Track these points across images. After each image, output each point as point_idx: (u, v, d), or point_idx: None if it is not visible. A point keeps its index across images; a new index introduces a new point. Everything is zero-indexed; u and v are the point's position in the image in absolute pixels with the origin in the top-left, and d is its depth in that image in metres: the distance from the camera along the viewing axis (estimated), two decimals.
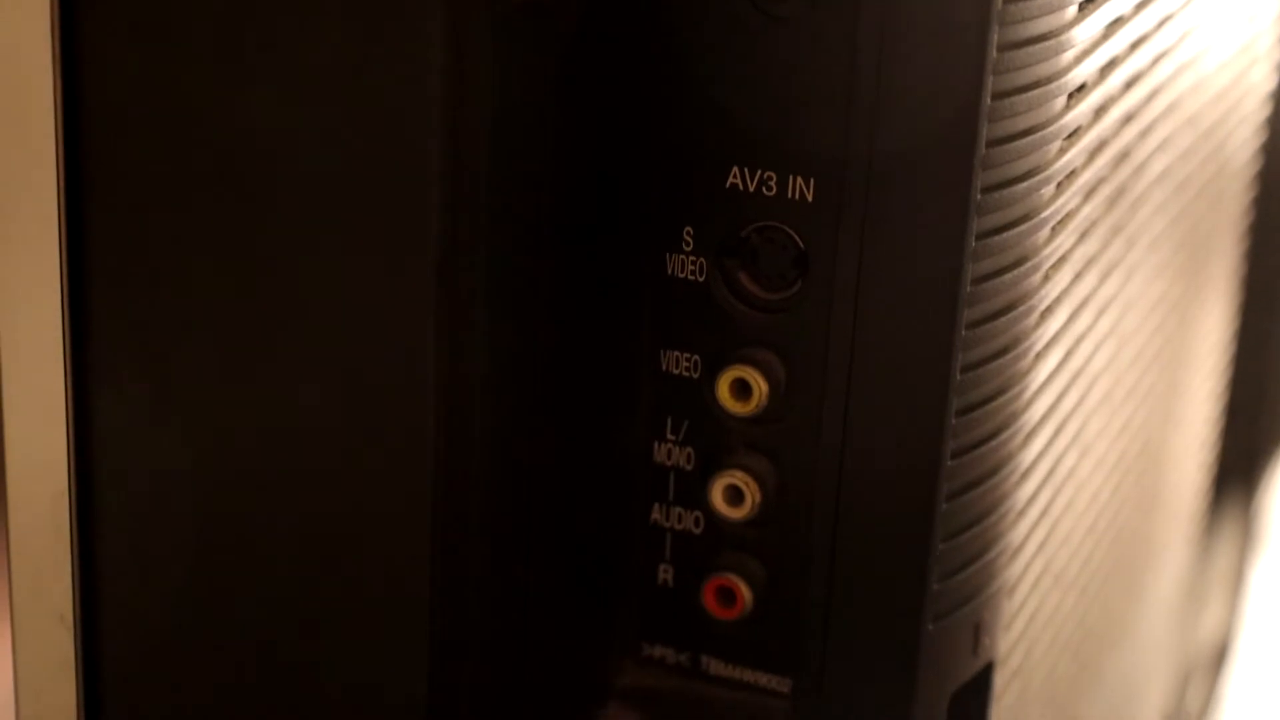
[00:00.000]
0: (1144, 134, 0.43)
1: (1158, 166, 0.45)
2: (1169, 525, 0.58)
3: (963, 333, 0.35)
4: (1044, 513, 0.41)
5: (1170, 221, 0.47)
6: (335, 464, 0.35)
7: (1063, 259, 0.38)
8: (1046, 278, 0.37)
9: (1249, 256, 0.59)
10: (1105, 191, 0.41)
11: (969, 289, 0.35)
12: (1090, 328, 0.41)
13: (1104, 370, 0.44)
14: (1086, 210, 0.39)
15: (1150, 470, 0.52)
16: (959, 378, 0.35)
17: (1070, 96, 0.36)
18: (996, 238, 0.35)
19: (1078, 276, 0.40)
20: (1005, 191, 0.35)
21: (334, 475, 0.35)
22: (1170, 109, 0.45)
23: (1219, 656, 0.78)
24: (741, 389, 0.36)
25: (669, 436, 0.37)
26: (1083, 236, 0.39)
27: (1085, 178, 0.39)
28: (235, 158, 0.33)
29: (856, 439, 0.36)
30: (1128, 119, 0.42)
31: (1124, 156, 0.42)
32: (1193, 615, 0.69)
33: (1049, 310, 0.38)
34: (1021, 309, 0.36)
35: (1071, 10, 0.35)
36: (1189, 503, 0.61)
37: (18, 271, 0.35)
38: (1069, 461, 0.42)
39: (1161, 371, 0.51)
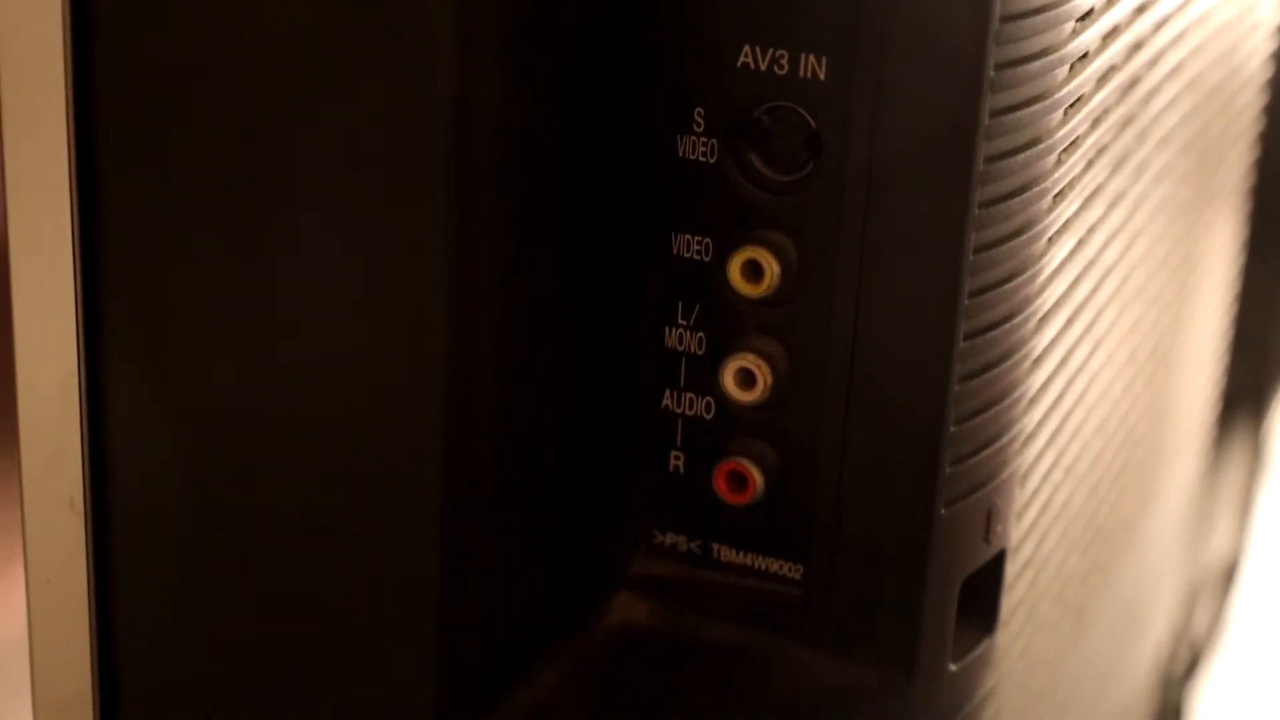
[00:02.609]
0: (1158, 26, 0.43)
1: (1171, 60, 0.45)
2: (1179, 434, 0.57)
3: (976, 212, 0.35)
4: (1056, 402, 0.40)
5: (1181, 120, 0.47)
6: (346, 352, 0.35)
7: (1075, 143, 0.38)
8: (1060, 161, 0.37)
9: (1259, 166, 0.59)
10: (1118, 79, 0.40)
11: (981, 168, 0.34)
12: (1102, 218, 0.41)
13: (1115, 264, 0.43)
14: (1100, 96, 0.39)
15: (1160, 375, 0.52)
16: (973, 258, 0.35)
17: None
18: (1009, 116, 0.35)
19: (1090, 164, 0.39)
20: (1019, 69, 0.34)
21: (345, 363, 0.35)
22: (1182, 4, 0.45)
23: (1227, 577, 0.78)
24: (753, 270, 0.36)
25: (680, 321, 0.37)
26: (1095, 123, 0.39)
27: (1099, 63, 0.38)
28: (240, 42, 0.33)
29: (869, 319, 0.36)
30: (1141, 9, 0.41)
31: (1137, 46, 0.41)
32: (1202, 535, 0.69)
33: (1062, 194, 0.37)
34: (1035, 190, 0.36)
35: None
36: (1199, 414, 0.61)
37: (28, 156, 0.35)
38: (1081, 353, 0.42)
39: (1171, 275, 0.51)
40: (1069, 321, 0.40)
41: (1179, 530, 0.62)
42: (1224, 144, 0.54)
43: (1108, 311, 0.44)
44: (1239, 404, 0.72)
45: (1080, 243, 0.40)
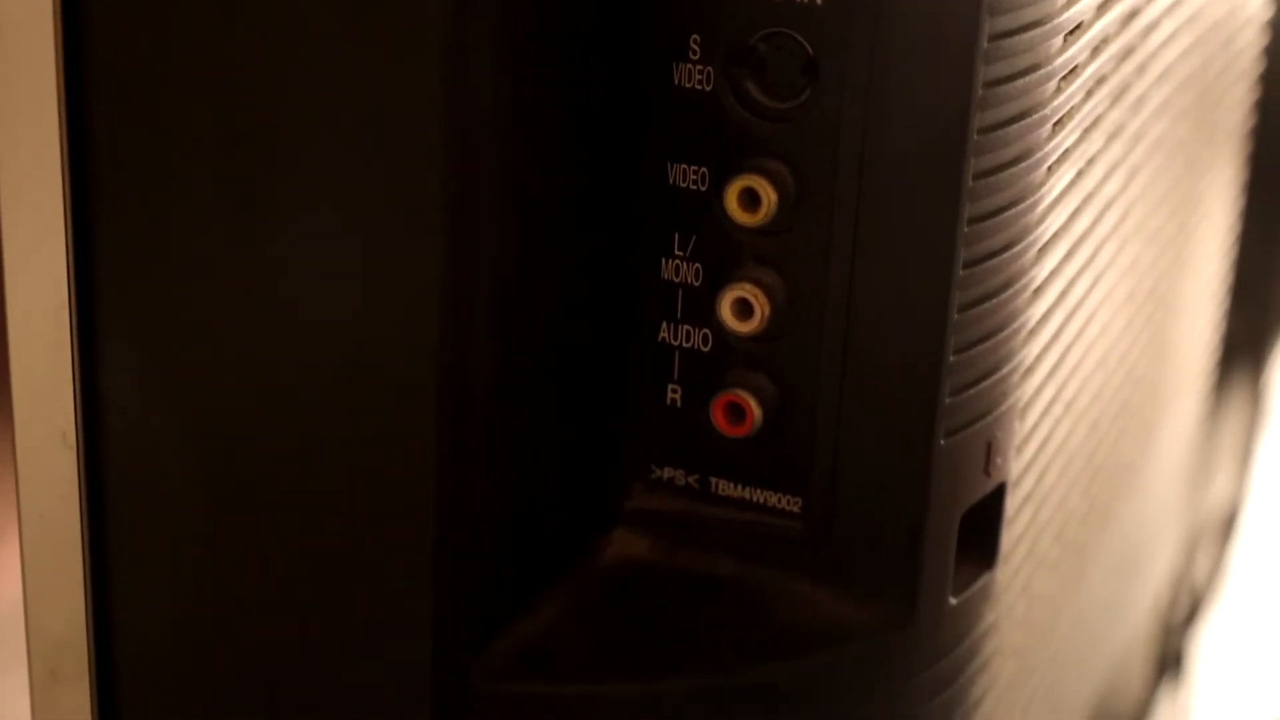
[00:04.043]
0: None
1: None
2: (1179, 376, 0.57)
3: (975, 137, 0.34)
4: (1056, 335, 0.40)
5: (1180, 55, 0.47)
6: (340, 294, 0.34)
7: (1074, 71, 0.37)
8: (1059, 89, 0.36)
9: (1259, 107, 0.59)
10: (1119, 9, 0.40)
11: (980, 93, 0.34)
12: (1101, 150, 0.41)
13: (1115, 198, 0.43)
14: (1100, 25, 0.39)
15: (1160, 315, 0.52)
16: (972, 184, 0.35)
17: None
18: (1008, 40, 0.34)
19: (1089, 94, 0.39)
20: None
21: (339, 304, 0.34)
22: None
23: (1227, 525, 0.78)
24: (750, 199, 0.36)
25: (676, 252, 0.37)
26: (1095, 52, 0.39)
27: None
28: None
29: (867, 248, 0.35)
30: None
31: None
32: (1202, 482, 0.69)
33: (1061, 123, 0.37)
34: (1035, 117, 0.35)
35: None
36: (1199, 357, 0.61)
37: (18, 93, 0.35)
38: (1081, 286, 0.42)
39: (1170, 213, 0.50)
40: (1069, 254, 0.40)
41: (1179, 475, 0.62)
42: (1224, 82, 0.53)
43: (1108, 246, 0.43)
44: (1239, 353, 0.71)
45: (1079, 174, 0.39)
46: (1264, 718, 0.79)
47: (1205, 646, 0.76)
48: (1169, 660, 0.70)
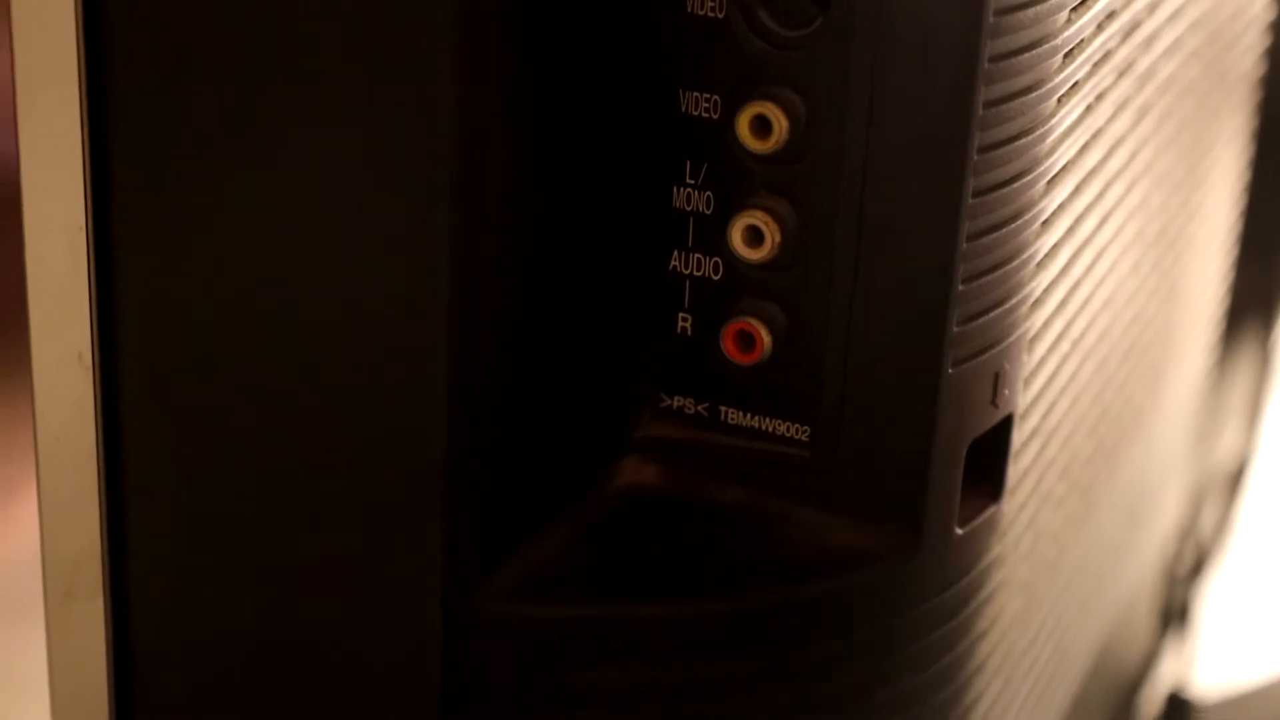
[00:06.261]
0: None
1: None
2: (1187, 323, 0.57)
3: (986, 66, 0.34)
4: (1064, 270, 0.40)
5: None
6: (353, 213, 0.35)
7: (1085, 3, 0.37)
8: (1069, 20, 0.37)
9: (1270, 53, 0.59)
10: None
11: (992, 20, 0.34)
12: (1112, 85, 0.41)
13: (1125, 135, 0.43)
14: None
15: (1168, 259, 0.52)
16: (982, 113, 0.35)
17: None
18: None
19: (1099, 27, 0.39)
20: None
21: (351, 220, 0.35)
22: None
23: (1233, 481, 0.78)
24: (761, 126, 0.36)
25: (688, 181, 0.37)
26: None
27: None
28: None
29: (878, 176, 0.35)
30: None
31: None
32: (1209, 435, 0.69)
33: (1071, 54, 0.37)
34: (1045, 47, 0.36)
35: None
36: (1207, 306, 0.61)
37: (35, 17, 0.35)
38: (1090, 222, 0.42)
39: (1179, 156, 0.50)
40: (1078, 188, 0.40)
41: (1186, 425, 0.62)
42: (1236, 25, 0.53)
43: (1117, 183, 0.44)
44: (1248, 306, 0.71)
45: (1089, 108, 0.40)
46: (1268, 672, 0.79)
47: (1211, 600, 0.76)
48: (1174, 612, 0.70)
